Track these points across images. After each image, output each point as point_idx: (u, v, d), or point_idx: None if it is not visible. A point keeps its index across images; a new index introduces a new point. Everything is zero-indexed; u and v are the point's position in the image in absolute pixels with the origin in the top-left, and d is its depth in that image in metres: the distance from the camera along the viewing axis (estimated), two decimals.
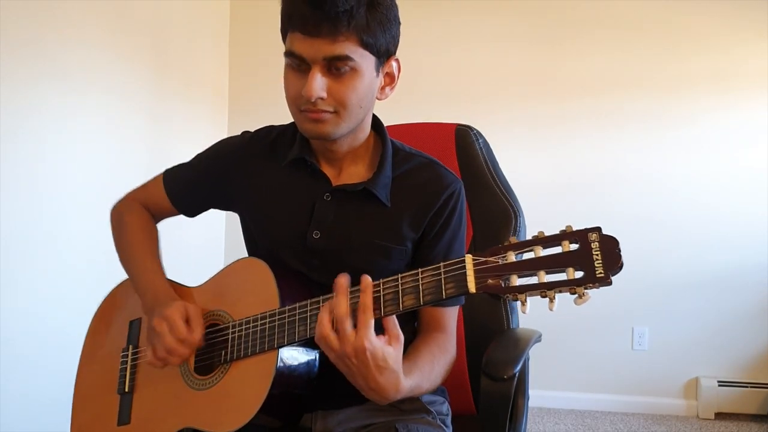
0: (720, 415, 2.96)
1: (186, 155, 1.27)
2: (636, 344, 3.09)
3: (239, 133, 1.20)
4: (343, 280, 0.87)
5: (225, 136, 1.17)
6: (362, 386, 0.87)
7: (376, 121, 1.12)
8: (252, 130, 1.19)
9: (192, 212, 1.26)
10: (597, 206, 3.09)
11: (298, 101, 0.97)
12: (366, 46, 0.95)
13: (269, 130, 1.18)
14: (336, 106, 0.97)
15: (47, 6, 2.06)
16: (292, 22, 0.94)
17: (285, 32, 0.98)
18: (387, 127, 1.51)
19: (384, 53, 0.99)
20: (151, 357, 1.04)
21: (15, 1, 1.93)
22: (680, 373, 3.05)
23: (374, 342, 0.84)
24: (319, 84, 0.94)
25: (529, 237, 0.81)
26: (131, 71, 2.54)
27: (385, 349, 0.85)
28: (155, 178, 1.26)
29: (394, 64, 1.04)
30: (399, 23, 1.01)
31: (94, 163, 2.33)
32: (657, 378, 3.06)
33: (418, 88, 3.17)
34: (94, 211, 2.28)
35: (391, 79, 1.05)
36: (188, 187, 1.22)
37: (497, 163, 1.46)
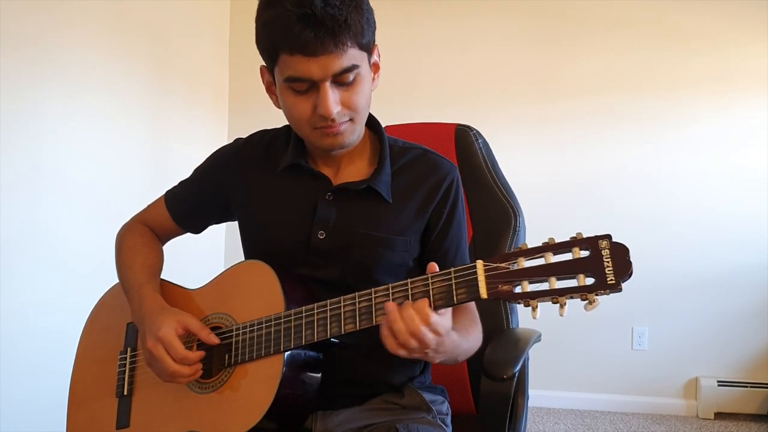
0: (720, 415, 2.96)
1: (186, 155, 1.27)
2: (636, 344, 3.09)
3: (232, 141, 1.20)
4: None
5: (225, 135, 1.18)
6: (430, 357, 0.90)
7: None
8: (248, 133, 1.19)
9: (196, 229, 1.26)
10: (597, 206, 3.09)
11: (311, 120, 0.97)
12: (362, 47, 0.95)
13: (262, 134, 1.17)
14: (350, 114, 0.98)
15: (47, 6, 2.06)
16: (290, 46, 0.92)
17: (275, 57, 0.96)
18: (387, 127, 1.52)
19: (372, 46, 1.00)
20: (159, 378, 1.03)
21: (15, 1, 1.93)
22: (680, 373, 3.06)
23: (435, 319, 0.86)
24: (333, 99, 0.94)
25: (528, 238, 0.82)
26: (131, 71, 2.54)
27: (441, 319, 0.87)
28: (158, 200, 1.25)
29: (376, 52, 1.03)
30: (372, 10, 0.99)
31: (94, 164, 2.33)
32: (657, 378, 3.06)
33: (418, 88, 3.18)
34: (94, 212, 2.28)
35: (376, 67, 1.04)
36: (189, 203, 1.22)
37: (497, 162, 1.46)
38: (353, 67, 0.94)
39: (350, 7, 0.91)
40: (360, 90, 0.97)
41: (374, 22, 0.98)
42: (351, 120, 0.99)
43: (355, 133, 1.02)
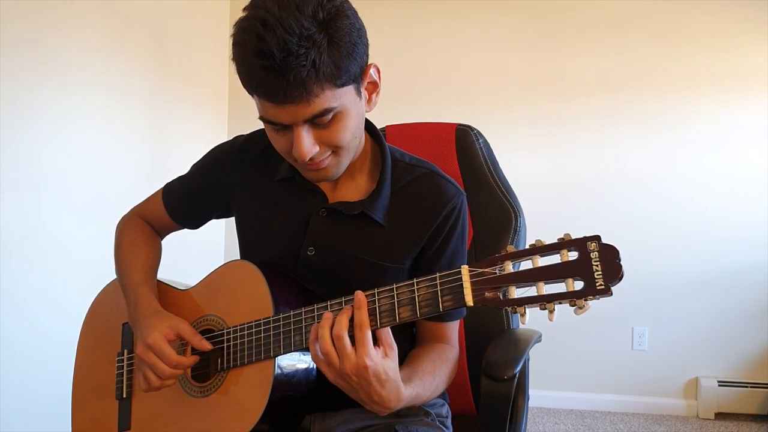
0: (720, 415, 2.95)
1: (186, 156, 1.27)
2: (636, 344, 3.09)
3: (232, 138, 1.18)
4: (360, 296, 0.86)
5: (225, 136, 1.17)
6: (364, 400, 0.87)
7: (367, 125, 1.06)
8: (247, 132, 1.17)
9: (193, 225, 1.25)
10: (597, 206, 3.09)
11: (292, 156, 0.92)
12: (341, 85, 0.86)
13: (263, 134, 1.13)
14: (332, 148, 0.92)
15: (47, 7, 2.06)
16: (257, 91, 0.86)
17: (250, 93, 0.89)
18: (388, 127, 1.52)
19: (359, 74, 0.90)
20: (144, 386, 1.02)
21: (15, 1, 1.92)
22: (680, 373, 3.05)
23: (375, 359, 0.83)
24: (308, 143, 0.88)
25: (529, 238, 0.81)
26: (131, 72, 2.54)
27: (385, 363, 0.84)
28: (155, 194, 1.24)
29: (371, 71, 0.94)
30: (363, 31, 0.89)
31: (94, 164, 2.33)
32: (657, 378, 3.06)
33: (418, 88, 3.18)
34: (94, 213, 2.28)
35: (374, 86, 0.96)
36: (186, 200, 1.21)
37: (497, 163, 1.46)
38: (327, 111, 0.86)
39: (320, 48, 0.81)
40: (341, 127, 0.89)
41: (364, 47, 0.89)
42: (334, 153, 0.93)
43: (341, 165, 0.96)
